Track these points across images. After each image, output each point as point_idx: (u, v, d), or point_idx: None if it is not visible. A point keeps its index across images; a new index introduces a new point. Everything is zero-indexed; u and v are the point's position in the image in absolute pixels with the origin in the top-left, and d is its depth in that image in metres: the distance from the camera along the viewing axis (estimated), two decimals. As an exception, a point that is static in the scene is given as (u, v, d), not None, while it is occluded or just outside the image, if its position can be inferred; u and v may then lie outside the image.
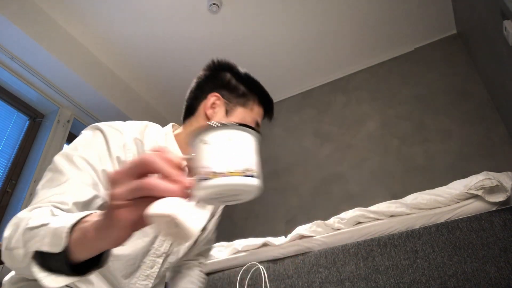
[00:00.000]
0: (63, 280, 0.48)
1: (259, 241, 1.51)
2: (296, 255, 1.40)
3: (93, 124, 0.82)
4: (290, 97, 3.22)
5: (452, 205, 1.25)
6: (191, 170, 0.44)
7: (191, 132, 0.84)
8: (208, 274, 1.54)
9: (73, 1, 2.40)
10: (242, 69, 0.98)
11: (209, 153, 0.43)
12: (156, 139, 0.86)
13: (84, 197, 0.68)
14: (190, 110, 0.94)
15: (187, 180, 0.42)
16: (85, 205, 0.69)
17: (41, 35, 2.35)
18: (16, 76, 2.43)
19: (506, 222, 1.10)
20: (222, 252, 1.60)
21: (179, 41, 2.71)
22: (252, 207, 2.86)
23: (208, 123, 0.44)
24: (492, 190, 1.19)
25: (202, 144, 0.44)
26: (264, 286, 1.33)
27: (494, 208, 1.17)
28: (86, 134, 0.79)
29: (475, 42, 2.25)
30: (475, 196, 1.22)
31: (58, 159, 0.73)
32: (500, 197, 1.17)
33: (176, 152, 0.83)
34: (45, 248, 0.49)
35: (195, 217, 0.40)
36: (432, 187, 1.42)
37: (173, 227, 0.40)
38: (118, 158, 0.77)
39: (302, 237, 1.44)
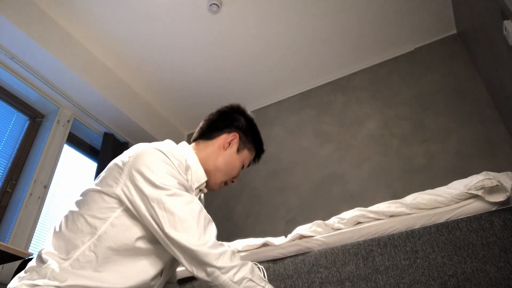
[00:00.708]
0: None
1: (259, 241, 1.51)
2: (296, 255, 1.40)
3: None
4: (290, 97, 3.22)
5: (452, 205, 1.25)
6: None
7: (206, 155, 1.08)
8: (208, 274, 1.54)
9: (73, 1, 2.40)
10: (250, 115, 1.19)
11: None
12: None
13: None
14: (207, 135, 1.12)
15: None
16: None
17: (41, 35, 2.35)
18: (16, 76, 2.43)
19: (506, 222, 1.10)
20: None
21: (179, 41, 2.71)
22: (252, 207, 2.86)
23: None
24: (492, 190, 1.18)
25: None
26: (264, 286, 1.33)
27: (494, 208, 1.17)
28: None
29: (475, 42, 2.25)
30: (475, 196, 1.22)
31: None
32: (500, 197, 1.17)
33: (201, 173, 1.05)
34: None
35: None
36: (432, 187, 1.42)
37: None
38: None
39: (302, 237, 1.43)
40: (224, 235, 2.77)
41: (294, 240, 1.44)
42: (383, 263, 1.20)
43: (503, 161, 2.09)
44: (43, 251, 0.86)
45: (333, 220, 1.45)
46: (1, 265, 1.92)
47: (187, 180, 0.96)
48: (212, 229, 0.90)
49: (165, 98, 3.24)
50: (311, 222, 1.50)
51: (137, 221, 0.88)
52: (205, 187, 1.10)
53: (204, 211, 0.92)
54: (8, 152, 2.40)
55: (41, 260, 0.84)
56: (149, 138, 3.13)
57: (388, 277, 1.17)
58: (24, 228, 2.20)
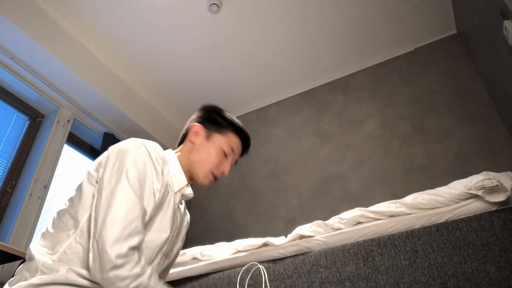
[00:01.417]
0: None
1: (259, 241, 1.51)
2: (296, 255, 1.40)
3: None
4: (290, 97, 3.22)
5: (452, 205, 1.25)
6: None
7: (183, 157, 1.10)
8: (208, 274, 1.54)
9: (73, 1, 2.40)
10: (212, 104, 1.22)
11: None
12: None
13: None
14: (181, 140, 1.19)
15: None
16: None
17: (41, 35, 2.35)
18: (16, 76, 2.43)
19: (506, 222, 1.10)
20: (222, 252, 1.60)
21: (179, 40, 2.72)
22: (252, 207, 2.86)
23: None
24: (492, 190, 1.18)
25: None
26: (264, 286, 1.34)
27: (494, 208, 1.17)
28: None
29: (475, 42, 2.25)
30: (475, 196, 1.22)
31: None
32: (500, 197, 1.17)
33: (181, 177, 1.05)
34: None
35: None
36: (432, 187, 1.42)
37: None
38: None
39: (302, 237, 1.44)
40: (224, 235, 2.78)
41: (294, 240, 1.44)
42: (383, 263, 1.20)
43: (503, 161, 2.09)
44: (29, 251, 0.86)
45: (333, 220, 1.45)
46: (1, 265, 1.92)
47: (163, 174, 0.96)
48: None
49: (165, 98, 3.24)
50: (311, 222, 1.50)
51: None
52: (194, 183, 1.12)
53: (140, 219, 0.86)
54: (8, 152, 2.40)
55: (29, 258, 0.84)
56: (149, 138, 3.09)
57: (388, 277, 1.17)
58: (24, 228, 2.20)
